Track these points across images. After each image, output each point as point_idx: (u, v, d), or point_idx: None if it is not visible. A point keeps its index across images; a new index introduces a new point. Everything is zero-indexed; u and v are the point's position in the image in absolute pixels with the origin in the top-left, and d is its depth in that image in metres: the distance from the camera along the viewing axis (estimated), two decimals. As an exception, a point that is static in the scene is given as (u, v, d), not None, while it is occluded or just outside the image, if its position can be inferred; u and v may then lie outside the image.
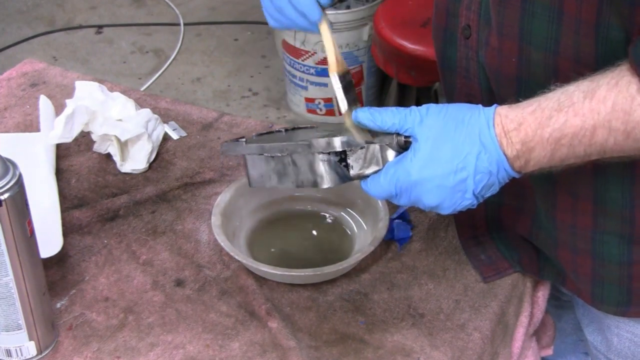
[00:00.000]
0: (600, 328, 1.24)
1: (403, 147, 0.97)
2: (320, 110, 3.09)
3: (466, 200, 0.95)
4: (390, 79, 2.87)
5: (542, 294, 1.24)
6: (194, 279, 1.18)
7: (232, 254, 1.15)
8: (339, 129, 1.16)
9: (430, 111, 0.96)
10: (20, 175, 0.97)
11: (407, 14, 2.63)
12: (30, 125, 1.47)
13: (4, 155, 0.98)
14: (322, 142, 1.00)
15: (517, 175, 0.96)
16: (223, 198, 1.24)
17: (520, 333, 1.20)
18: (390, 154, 0.98)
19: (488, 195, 0.97)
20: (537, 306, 1.24)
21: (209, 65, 3.42)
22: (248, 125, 1.47)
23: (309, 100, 3.07)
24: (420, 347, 1.08)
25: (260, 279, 1.17)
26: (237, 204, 1.24)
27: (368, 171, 0.99)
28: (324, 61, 2.95)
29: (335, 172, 1.00)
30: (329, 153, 0.99)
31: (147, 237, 1.25)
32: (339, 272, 1.16)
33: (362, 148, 0.98)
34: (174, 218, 1.28)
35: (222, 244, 1.17)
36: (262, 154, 1.05)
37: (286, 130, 1.20)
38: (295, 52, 2.97)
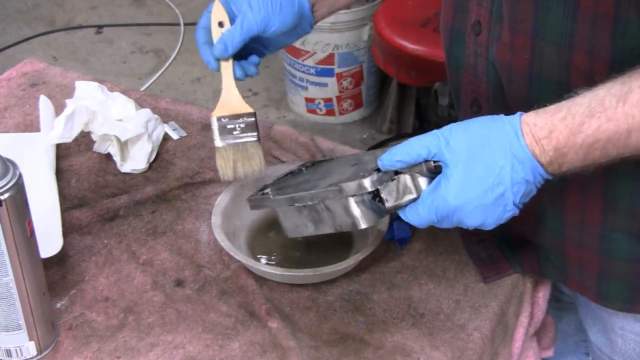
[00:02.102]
0: (605, 329, 1.23)
1: (434, 171, 0.96)
2: (320, 110, 3.09)
3: (508, 212, 0.95)
4: (390, 79, 2.87)
5: (543, 294, 1.24)
6: (194, 279, 1.18)
7: (232, 254, 1.15)
8: (361, 155, 1.15)
9: (454, 132, 0.95)
10: (20, 175, 0.97)
11: (407, 14, 2.63)
12: (30, 125, 1.47)
13: (4, 155, 0.98)
14: (352, 185, 0.97)
15: (552, 178, 0.95)
16: (223, 198, 1.24)
17: (520, 333, 1.20)
18: (422, 180, 0.96)
19: (527, 200, 0.96)
20: (537, 306, 1.24)
21: (209, 65, 3.42)
22: (248, 125, 1.46)
23: (309, 100, 3.07)
24: (420, 347, 1.08)
25: (260, 279, 1.17)
26: (237, 204, 1.24)
27: (404, 201, 0.97)
28: (324, 61, 2.95)
29: (371, 210, 0.98)
30: (361, 194, 0.97)
31: (147, 237, 1.25)
32: (339, 272, 1.16)
33: (393, 180, 0.96)
34: (174, 218, 1.28)
35: (222, 244, 1.17)
36: (293, 205, 1.04)
37: (306, 167, 1.19)
38: (295, 52, 2.97)
